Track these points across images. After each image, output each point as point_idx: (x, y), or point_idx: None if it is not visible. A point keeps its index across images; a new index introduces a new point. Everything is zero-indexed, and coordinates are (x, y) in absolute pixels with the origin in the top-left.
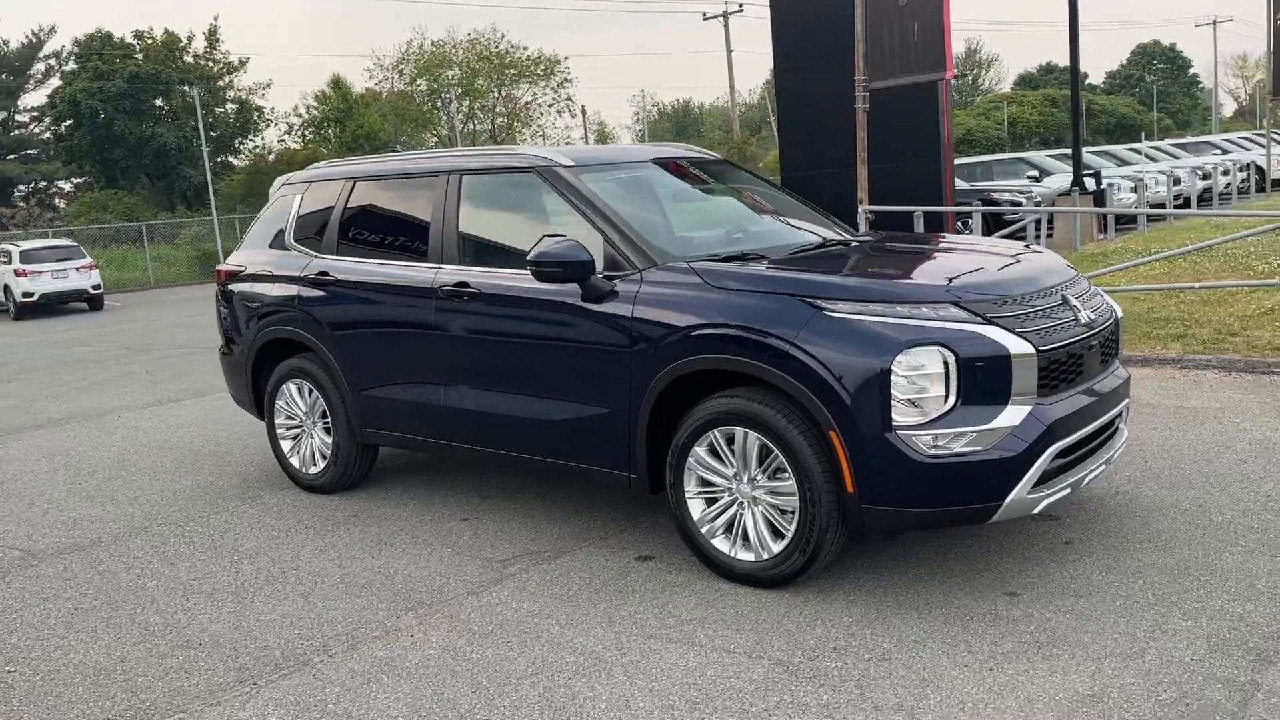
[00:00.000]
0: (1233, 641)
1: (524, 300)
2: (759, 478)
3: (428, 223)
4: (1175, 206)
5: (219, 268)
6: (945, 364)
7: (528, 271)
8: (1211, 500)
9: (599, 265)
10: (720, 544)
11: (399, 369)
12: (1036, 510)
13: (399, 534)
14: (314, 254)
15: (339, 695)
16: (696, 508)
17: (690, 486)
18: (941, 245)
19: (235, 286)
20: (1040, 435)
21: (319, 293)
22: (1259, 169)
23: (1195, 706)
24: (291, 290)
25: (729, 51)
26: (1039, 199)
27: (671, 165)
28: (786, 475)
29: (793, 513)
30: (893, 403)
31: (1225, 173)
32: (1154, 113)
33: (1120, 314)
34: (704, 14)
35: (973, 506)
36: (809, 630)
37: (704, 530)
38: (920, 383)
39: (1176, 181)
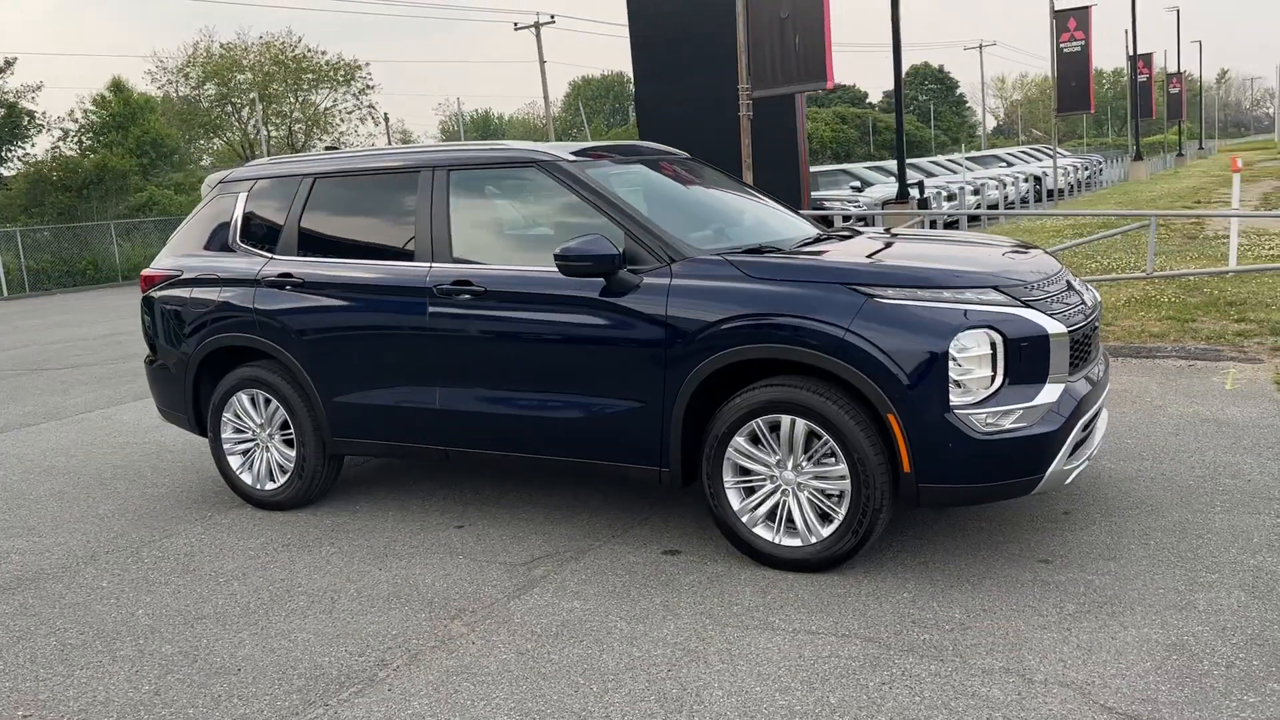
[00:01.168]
0: (1264, 589)
1: (542, 297)
2: (804, 464)
3: (410, 220)
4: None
5: (145, 273)
6: (993, 345)
7: (540, 267)
8: (1169, 469)
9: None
10: (762, 532)
11: (382, 373)
12: (1068, 481)
13: (395, 545)
14: (269, 255)
15: (431, 707)
16: (735, 498)
17: (728, 477)
18: (938, 238)
19: (168, 293)
20: (1073, 410)
21: (280, 296)
22: (1037, 180)
23: (1267, 646)
24: (244, 294)
25: (542, 62)
26: (864, 208)
27: (661, 163)
28: (833, 460)
29: (839, 496)
30: (950, 384)
31: (1013, 184)
32: (931, 129)
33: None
34: (515, 24)
35: (1020, 480)
36: (877, 607)
37: (744, 520)
38: (973, 364)
39: (976, 191)
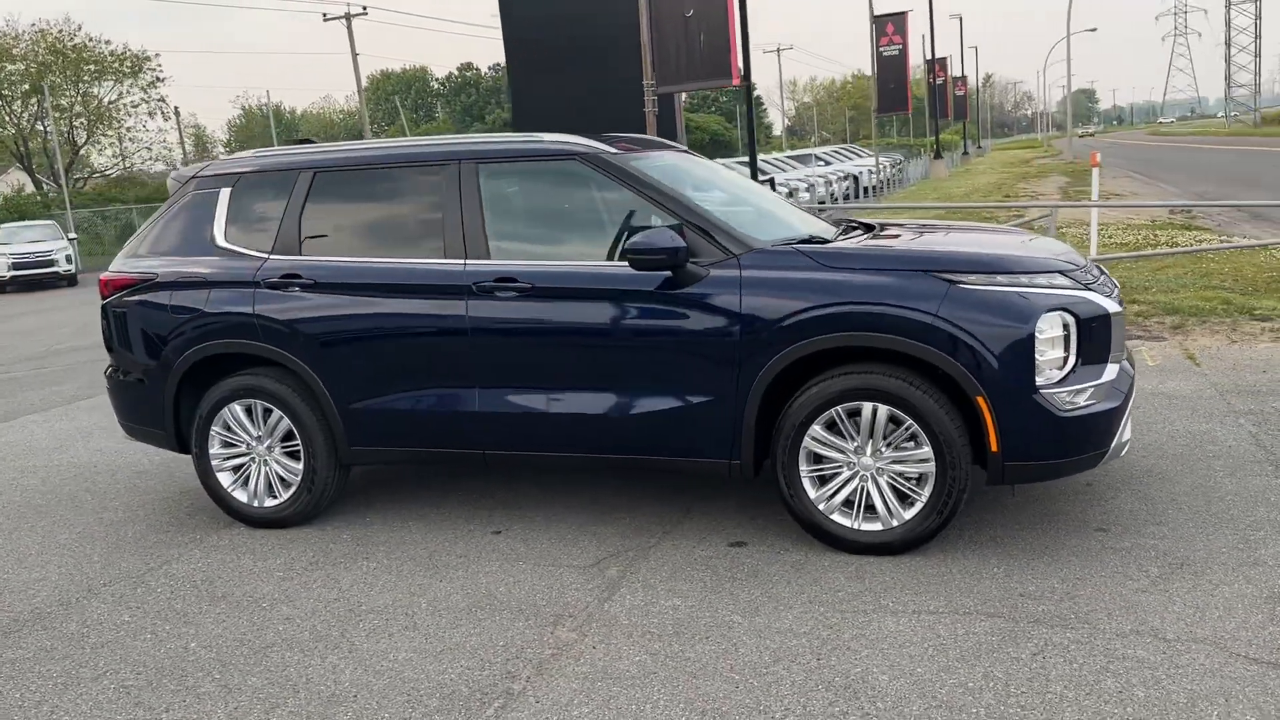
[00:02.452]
0: None
1: (597, 292)
2: (883, 449)
3: (433, 214)
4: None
5: (106, 277)
6: (1066, 327)
7: (589, 261)
8: (1153, 440)
9: None
10: (840, 518)
11: (409, 376)
12: (1123, 453)
13: (438, 555)
14: (265, 255)
15: (597, 713)
16: (810, 487)
17: (804, 466)
18: (965, 229)
19: (141, 298)
20: (1129, 386)
21: (284, 298)
22: (855, 178)
23: None
24: (239, 297)
25: (354, 55)
26: None
27: (676, 156)
28: (913, 444)
29: (919, 478)
30: (1035, 365)
31: (837, 181)
32: (736, 129)
33: None
34: (325, 15)
35: (1092, 454)
36: (978, 585)
37: (821, 508)
38: (1052, 345)
39: (810, 189)
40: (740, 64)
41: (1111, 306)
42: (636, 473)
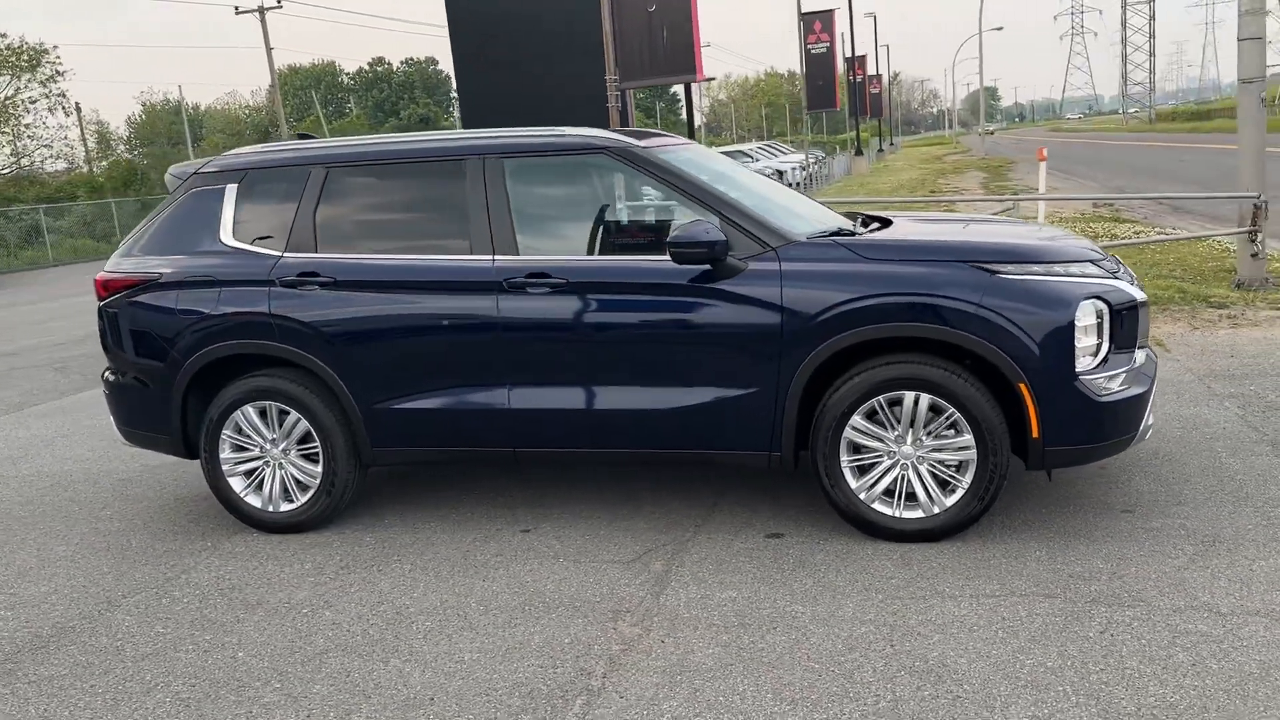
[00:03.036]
0: None
1: (633, 286)
2: (924, 438)
3: (459, 211)
4: None
5: (102, 278)
6: (1099, 314)
7: (628, 255)
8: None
9: None
10: (881, 507)
11: (436, 375)
12: (1149, 435)
13: (472, 555)
14: (278, 253)
15: (687, 708)
16: (850, 477)
17: (845, 456)
18: (983, 221)
19: (144, 299)
20: (1154, 371)
21: (302, 297)
22: (780, 173)
23: None
24: (254, 296)
25: (269, 49)
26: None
27: (696, 148)
28: (953, 432)
29: (959, 465)
30: (1075, 352)
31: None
32: (656, 124)
33: None
34: (236, 8)
35: (1124, 437)
36: (1027, 567)
37: (862, 497)
38: (1089, 333)
39: None
40: (701, 60)
41: (1138, 294)
42: (656, 467)
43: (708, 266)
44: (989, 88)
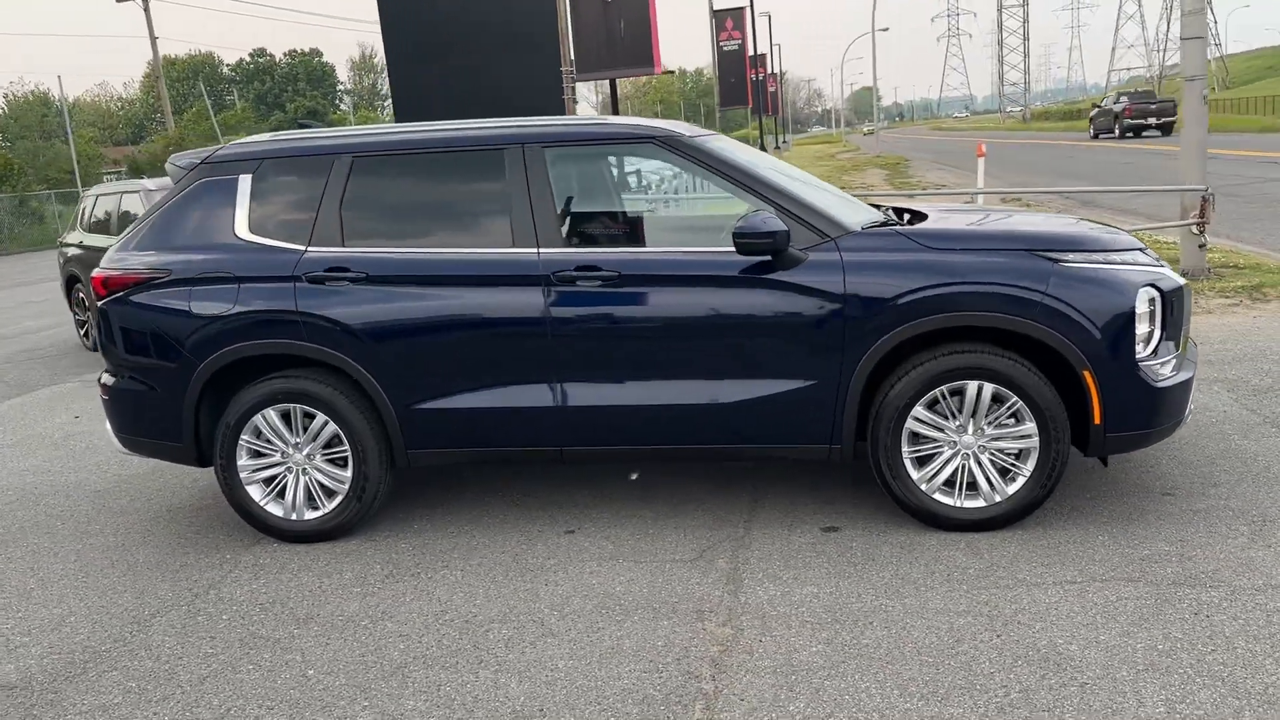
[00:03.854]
0: None
1: (690, 278)
2: (985, 427)
3: (498, 201)
4: None
5: (102, 275)
6: (1153, 302)
7: (683, 247)
8: None
9: None
10: (942, 497)
11: (478, 373)
12: (1187, 420)
13: (524, 559)
14: (302, 247)
15: (813, 707)
16: (911, 468)
17: (906, 447)
18: (1017, 212)
19: (153, 297)
20: (1196, 356)
21: (332, 293)
22: None
23: None
24: (278, 293)
25: (154, 39)
26: None
27: (726, 139)
28: (1014, 421)
29: (1019, 453)
30: (1135, 339)
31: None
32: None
33: None
34: None
35: (1175, 421)
36: (1097, 552)
37: (924, 488)
38: (1146, 319)
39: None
40: (659, 53)
41: (1182, 281)
42: (685, 464)
43: (767, 257)
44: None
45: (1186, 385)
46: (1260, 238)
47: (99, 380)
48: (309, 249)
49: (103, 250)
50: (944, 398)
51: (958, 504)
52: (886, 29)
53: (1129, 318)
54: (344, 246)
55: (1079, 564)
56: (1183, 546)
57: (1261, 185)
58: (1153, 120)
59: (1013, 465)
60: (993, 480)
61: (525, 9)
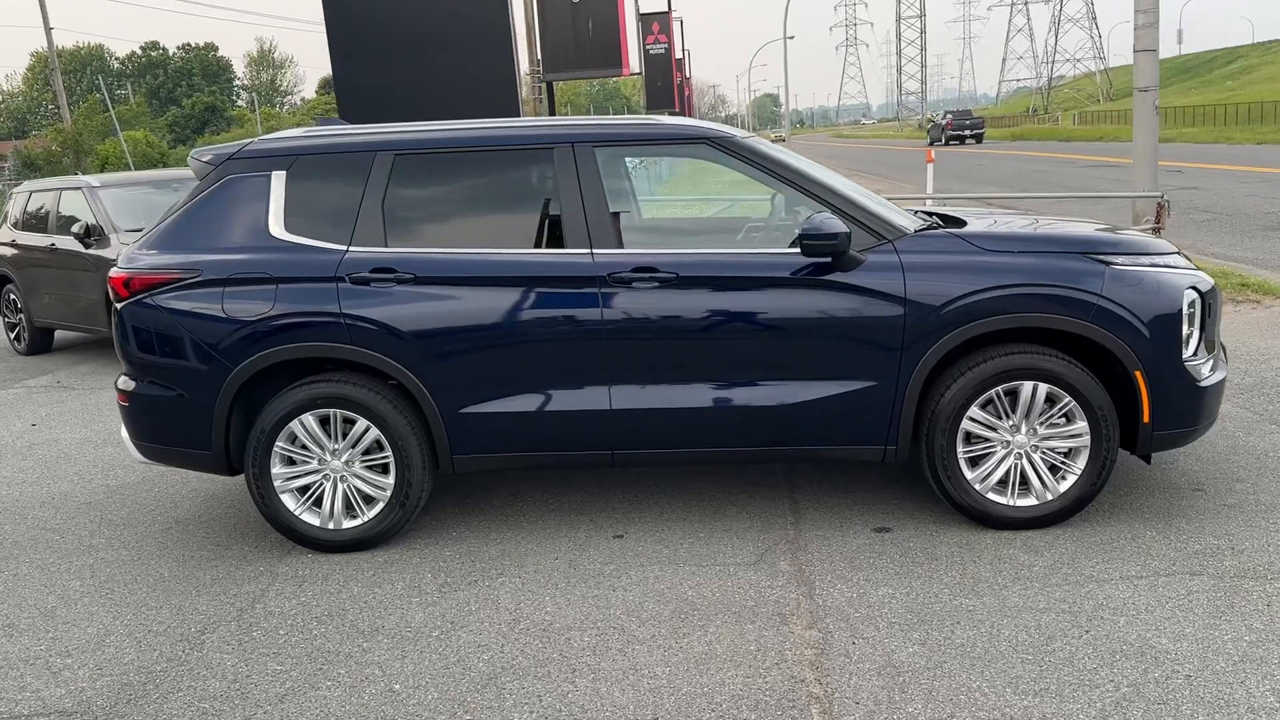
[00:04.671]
0: None
1: (750, 280)
2: (1037, 427)
3: (547, 201)
4: None
5: (123, 275)
6: (1192, 305)
7: (737, 249)
8: None
9: None
10: (995, 497)
11: (531, 376)
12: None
13: (581, 565)
14: (343, 247)
15: (927, 706)
16: (965, 468)
17: (961, 448)
18: (1048, 216)
19: (183, 298)
20: (1226, 356)
21: (378, 294)
22: None
23: None
24: (320, 294)
25: (48, 29)
26: None
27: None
28: (1065, 421)
29: (1068, 452)
30: (1182, 339)
31: None
32: None
33: None
34: None
35: (1212, 419)
36: (1152, 546)
37: (978, 488)
38: (1190, 320)
39: None
40: (629, 54)
41: (1212, 282)
42: (713, 466)
43: (828, 259)
44: (771, 95)
45: (1222, 385)
46: (1202, 246)
47: (116, 385)
48: (350, 249)
49: (43, 248)
50: (999, 398)
51: (1011, 503)
52: (793, 37)
53: (1177, 318)
54: (387, 247)
55: (1138, 559)
56: (1231, 540)
57: (1176, 194)
58: (967, 132)
59: (1063, 463)
60: (1045, 479)
61: (475, 7)
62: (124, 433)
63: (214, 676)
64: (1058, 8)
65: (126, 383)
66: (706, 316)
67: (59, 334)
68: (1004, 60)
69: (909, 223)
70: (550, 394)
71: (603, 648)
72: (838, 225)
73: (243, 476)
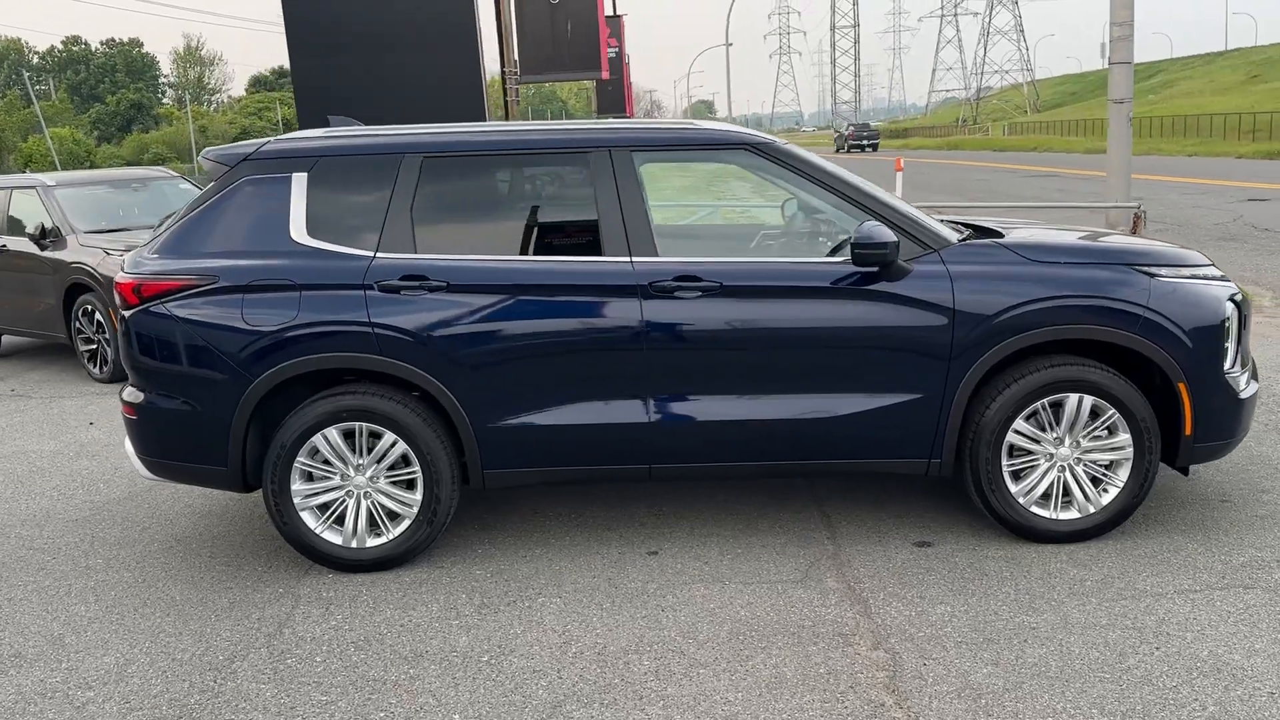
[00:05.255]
0: None
1: (800, 289)
2: (1081, 439)
3: (584, 206)
4: None
5: (132, 281)
6: (1230, 316)
7: (781, 258)
8: None
9: None
10: (1038, 510)
11: (566, 388)
12: None
13: (621, 584)
14: (370, 253)
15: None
16: (1010, 481)
17: (1006, 461)
18: (1048, 226)
19: (199, 305)
20: (1255, 368)
21: (408, 302)
22: None
23: None
24: (347, 302)
25: None
26: None
27: None
28: (1108, 432)
29: (1110, 465)
30: (1223, 351)
31: None
32: None
33: None
34: None
35: (1245, 430)
36: (1196, 559)
37: (1021, 501)
38: (1228, 333)
39: None
40: (608, 58)
41: (1242, 295)
42: (746, 480)
43: (875, 268)
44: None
45: (1256, 397)
46: None
47: (121, 396)
48: (378, 255)
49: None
50: (1045, 410)
51: (1055, 516)
52: (731, 44)
53: (1219, 330)
54: (416, 253)
55: (1187, 573)
56: (1274, 552)
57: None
58: (865, 142)
59: (1104, 475)
60: (1087, 491)
61: (441, 6)
62: (128, 447)
63: (255, 709)
64: (987, 20)
65: (134, 394)
66: (751, 327)
67: (6, 339)
68: (934, 71)
69: (950, 233)
70: (587, 406)
71: (666, 672)
72: (889, 234)
73: (245, 493)
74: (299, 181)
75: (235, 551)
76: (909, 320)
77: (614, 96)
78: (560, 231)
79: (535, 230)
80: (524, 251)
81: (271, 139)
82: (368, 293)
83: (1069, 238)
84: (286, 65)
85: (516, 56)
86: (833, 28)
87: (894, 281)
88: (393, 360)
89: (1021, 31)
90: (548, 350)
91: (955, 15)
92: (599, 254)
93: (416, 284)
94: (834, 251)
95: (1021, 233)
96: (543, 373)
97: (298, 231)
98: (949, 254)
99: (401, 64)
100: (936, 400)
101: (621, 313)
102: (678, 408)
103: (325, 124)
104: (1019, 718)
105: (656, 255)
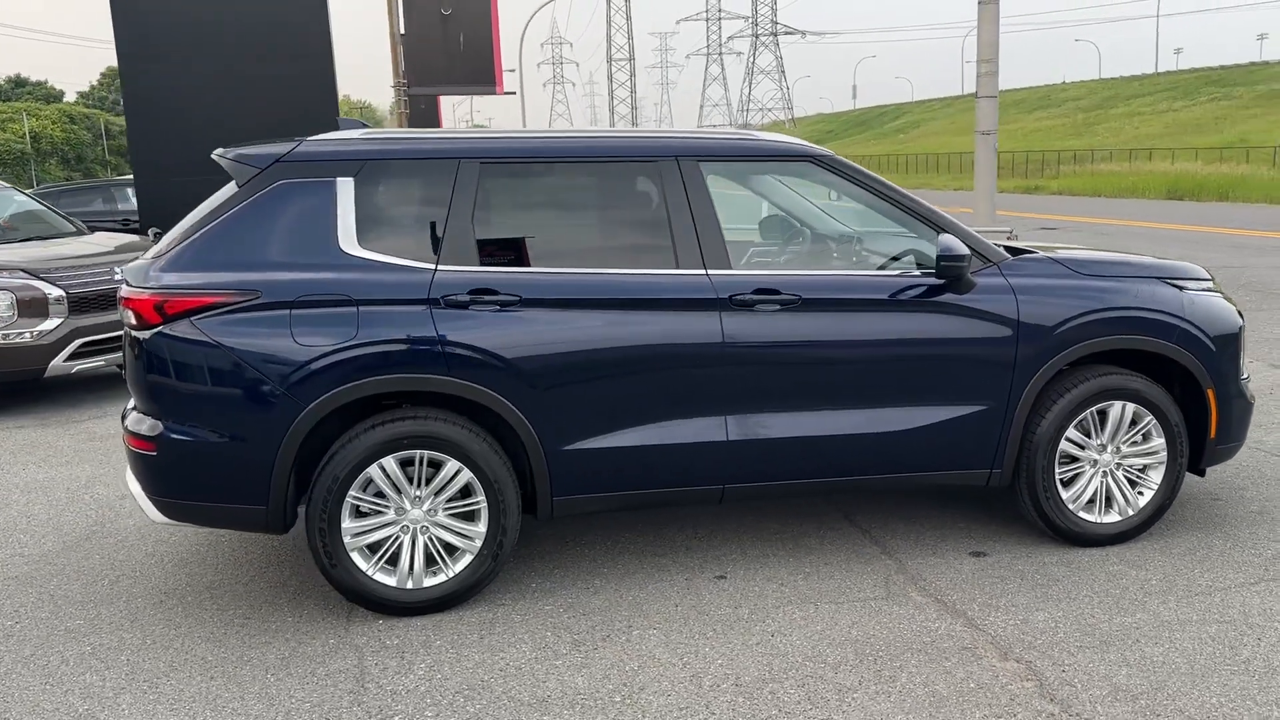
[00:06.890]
0: None
1: (878, 302)
2: (1121, 445)
3: (654, 217)
4: None
5: (152, 298)
6: (1243, 324)
7: (852, 270)
8: None
9: None
10: (1086, 515)
11: (646, 405)
12: None
13: (709, 609)
14: (432, 265)
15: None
16: (1061, 488)
17: (1059, 469)
18: (1068, 244)
19: (238, 323)
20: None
21: (477, 319)
22: None
23: None
24: (413, 319)
25: None
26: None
27: None
28: (1143, 438)
29: (1143, 469)
30: (1240, 359)
31: None
32: None
33: None
34: None
35: (1246, 436)
36: (1232, 557)
37: (1070, 507)
38: (1242, 342)
39: None
40: (503, 72)
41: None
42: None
43: (944, 281)
44: (480, 124)
45: (1253, 403)
46: None
47: (125, 426)
48: (439, 268)
49: None
50: (1094, 419)
51: (1100, 520)
52: (513, 70)
53: (1238, 338)
54: (479, 265)
55: (1235, 568)
56: None
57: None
58: None
59: (1138, 478)
60: (1127, 495)
61: (290, 13)
62: (134, 487)
63: None
64: (751, 59)
65: (146, 425)
66: (831, 340)
67: None
68: (701, 107)
69: (997, 248)
70: (662, 426)
71: (820, 699)
72: (964, 247)
73: (281, 534)
74: (345, 187)
75: (245, 599)
76: (978, 332)
77: (427, 114)
78: (628, 242)
79: (600, 241)
80: (590, 264)
81: (305, 139)
82: (434, 309)
83: (1103, 254)
84: (16, 74)
85: (403, 66)
86: (609, 59)
87: (962, 294)
88: (462, 381)
89: (783, 71)
90: (625, 367)
91: (720, 54)
92: (672, 267)
93: (486, 298)
94: (891, 260)
95: (1060, 249)
96: (618, 391)
97: (347, 242)
98: (1007, 267)
99: (246, 74)
100: (1000, 411)
101: (701, 326)
102: (755, 425)
103: (170, 135)
104: (1184, 713)
105: (730, 268)
